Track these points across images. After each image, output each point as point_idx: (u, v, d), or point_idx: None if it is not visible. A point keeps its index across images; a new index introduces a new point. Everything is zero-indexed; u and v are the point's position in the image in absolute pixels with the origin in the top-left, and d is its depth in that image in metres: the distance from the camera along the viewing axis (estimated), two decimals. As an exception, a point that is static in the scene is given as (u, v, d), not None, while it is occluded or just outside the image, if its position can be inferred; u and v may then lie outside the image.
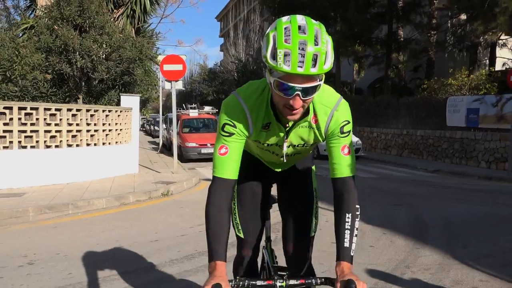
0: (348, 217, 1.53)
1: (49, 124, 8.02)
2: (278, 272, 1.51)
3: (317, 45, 1.32)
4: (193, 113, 16.12)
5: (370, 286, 3.56)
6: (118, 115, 9.57)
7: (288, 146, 1.71)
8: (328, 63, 1.34)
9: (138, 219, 6.04)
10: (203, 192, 8.13)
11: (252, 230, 2.01)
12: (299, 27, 1.33)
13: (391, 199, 7.67)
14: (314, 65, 1.31)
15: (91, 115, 8.77)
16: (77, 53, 9.34)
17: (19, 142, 7.66)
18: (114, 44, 9.97)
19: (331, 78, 27.34)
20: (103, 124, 9.06)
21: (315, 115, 1.60)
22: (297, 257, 1.95)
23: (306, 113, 1.55)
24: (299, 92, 1.37)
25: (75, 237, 5.02)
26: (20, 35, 10.79)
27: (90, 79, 10.07)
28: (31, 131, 7.81)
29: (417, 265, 4.12)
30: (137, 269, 3.92)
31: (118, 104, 10.37)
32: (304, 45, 1.30)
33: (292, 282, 1.46)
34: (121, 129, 9.69)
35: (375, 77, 23.83)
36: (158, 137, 18.13)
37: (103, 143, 9.07)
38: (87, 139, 8.68)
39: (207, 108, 17.36)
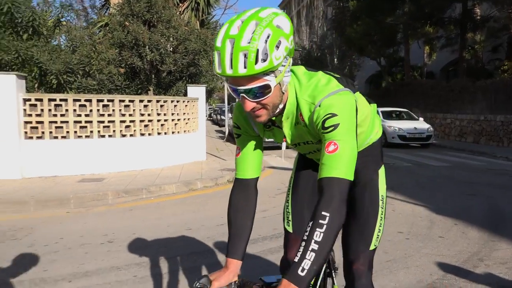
0: (309, 226, 1.23)
1: (123, 115, 8.60)
2: None
3: (248, 43, 1.19)
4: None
5: (438, 278, 3.43)
6: (186, 105, 9.98)
7: (294, 145, 1.61)
8: (260, 64, 1.20)
9: (205, 204, 6.30)
10: (266, 179, 8.27)
11: (302, 226, 1.84)
12: (237, 24, 1.23)
13: (464, 189, 7.23)
14: (245, 66, 1.20)
15: (161, 106, 9.24)
16: (147, 47, 9.86)
17: (98, 131, 8.32)
18: (180, 37, 10.36)
19: (400, 63, 26.13)
20: (172, 114, 9.51)
21: (301, 112, 1.45)
22: (350, 271, 1.80)
23: (283, 110, 1.44)
24: (244, 94, 1.29)
25: (148, 220, 5.39)
26: (97, 32, 11.60)
27: (159, 71, 10.58)
28: (108, 122, 8.43)
29: (492, 258, 3.88)
30: (204, 251, 4.12)
31: (185, 94, 10.80)
32: (232, 45, 1.21)
33: None
34: (188, 119, 10.11)
35: (448, 59, 22.37)
36: (224, 126, 18.64)
37: (172, 132, 9.53)
38: (157, 129, 9.18)
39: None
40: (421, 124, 14.99)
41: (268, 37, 1.20)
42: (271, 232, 4.66)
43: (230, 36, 1.21)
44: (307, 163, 1.89)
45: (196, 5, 13.61)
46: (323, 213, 1.22)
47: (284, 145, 1.64)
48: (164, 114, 9.31)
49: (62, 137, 8.05)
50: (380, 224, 1.78)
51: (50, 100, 7.93)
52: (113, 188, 6.83)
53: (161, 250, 4.12)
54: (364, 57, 26.79)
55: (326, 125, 1.34)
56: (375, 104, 1.85)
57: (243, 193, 1.59)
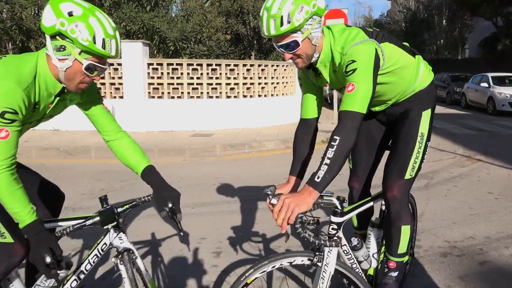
0: (326, 147, 1.60)
1: (229, 78, 9.49)
2: None
3: (275, 12, 1.62)
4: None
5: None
6: (285, 69, 10.54)
7: (332, 89, 2.01)
8: (285, 25, 1.61)
9: (301, 159, 6.92)
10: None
11: (358, 163, 2.27)
12: None
13: None
14: (274, 28, 1.64)
15: (262, 70, 9.93)
16: (250, 14, 10.51)
17: (207, 93, 9.35)
18: (282, 3, 10.79)
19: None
20: (272, 78, 10.16)
21: (334, 62, 1.81)
22: (386, 198, 2.06)
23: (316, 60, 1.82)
24: (281, 49, 1.72)
25: (251, 169, 6.19)
26: (205, 1, 12.59)
27: (260, 37, 11.23)
28: (216, 84, 9.40)
29: None
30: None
31: (284, 59, 11.34)
32: (267, 13, 1.65)
33: None
34: (287, 82, 10.69)
35: None
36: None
37: (272, 95, 10.23)
38: (258, 91, 9.94)
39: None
40: (538, 92, 13.59)
41: (291, 5, 1.61)
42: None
43: (266, 7, 1.66)
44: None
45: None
46: (335, 136, 1.60)
47: (327, 88, 2.04)
48: (265, 78, 10.01)
49: (178, 97, 9.24)
50: (417, 157, 2.02)
51: (168, 64, 9.10)
52: (220, 142, 7.80)
53: (261, 191, 4.86)
54: (478, 17, 24.38)
55: (347, 70, 1.69)
56: (420, 56, 2.10)
57: (305, 129, 2.07)
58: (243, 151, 7.61)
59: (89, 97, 1.79)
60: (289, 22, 1.62)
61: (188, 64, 9.18)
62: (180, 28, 9.96)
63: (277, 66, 10.27)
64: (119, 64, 8.98)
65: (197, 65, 9.21)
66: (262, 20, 1.68)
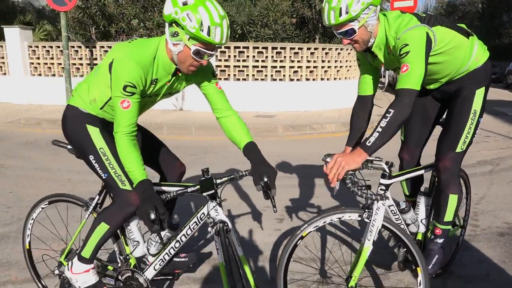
0: (380, 118, 1.86)
1: (292, 61, 9.69)
2: None
3: (333, 4, 1.88)
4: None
5: None
6: (349, 53, 10.52)
7: (388, 69, 2.19)
8: (343, 16, 1.87)
9: (361, 142, 7.03)
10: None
11: (411, 136, 2.45)
12: None
13: None
14: (334, 18, 1.89)
15: (326, 53, 10.00)
16: (317, -3, 10.55)
17: (271, 75, 9.64)
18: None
19: None
20: (335, 61, 10.20)
21: (389, 45, 2.02)
22: (437, 168, 2.23)
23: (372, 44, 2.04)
24: (340, 35, 1.98)
25: (311, 149, 6.43)
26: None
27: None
28: (280, 67, 9.65)
29: None
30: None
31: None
32: (328, 5, 1.90)
33: None
34: (350, 66, 10.66)
35: None
36: (384, 76, 18.42)
37: (334, 78, 10.28)
38: (321, 74, 10.04)
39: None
40: None
41: (345, 1, 1.85)
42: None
43: (327, 0, 1.92)
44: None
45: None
46: (390, 109, 1.84)
47: (382, 69, 2.22)
48: (328, 61, 10.07)
49: (243, 79, 9.63)
50: (468, 132, 2.18)
51: (235, 47, 9.49)
52: (282, 123, 8.09)
53: (320, 169, 5.10)
54: None
55: (401, 53, 1.90)
56: (474, 37, 2.20)
57: (361, 105, 2.32)
58: (304, 132, 7.85)
59: (203, 77, 2.00)
60: (347, 13, 1.87)
61: (254, 47, 9.50)
62: (247, 12, 10.29)
63: (341, 49, 10.28)
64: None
65: (263, 48, 9.51)
66: (324, 10, 1.94)
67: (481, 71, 2.21)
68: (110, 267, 2.24)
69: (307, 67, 9.85)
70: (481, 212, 3.77)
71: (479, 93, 2.20)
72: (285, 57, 9.60)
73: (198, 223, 1.98)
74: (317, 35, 11.66)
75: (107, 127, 2.02)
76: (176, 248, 2.03)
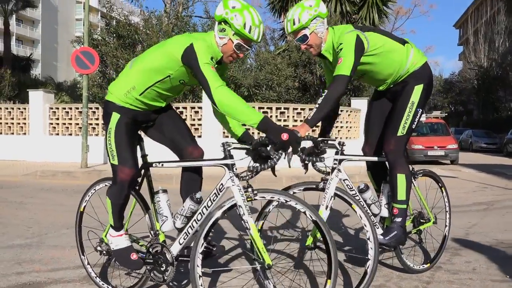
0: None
1: (295, 120, 10.29)
2: None
3: (289, 17, 2.50)
4: (422, 118, 16.31)
5: None
6: (349, 115, 11.17)
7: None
8: (296, 24, 2.46)
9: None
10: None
11: (370, 133, 2.93)
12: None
13: None
14: (290, 27, 2.50)
15: (327, 114, 10.63)
16: (317, 64, 11.49)
17: (276, 133, 10.17)
18: (347, 56, 11.74)
19: None
20: (336, 122, 10.81)
21: (334, 49, 2.56)
22: (385, 151, 2.66)
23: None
24: (298, 42, 2.56)
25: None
26: (277, 53, 13.96)
27: (325, 85, 12.06)
28: (284, 126, 10.22)
29: None
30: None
31: (349, 105, 12.02)
32: (286, 19, 2.53)
33: None
34: (351, 127, 11.25)
35: None
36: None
37: (336, 137, 10.81)
38: (323, 133, 10.57)
39: (436, 113, 17.18)
40: None
41: (299, 12, 2.45)
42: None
43: (287, 19, 2.53)
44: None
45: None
46: (326, 90, 2.39)
47: None
48: (329, 121, 10.66)
49: (249, 136, 10.16)
50: (407, 118, 2.58)
51: (242, 107, 10.16)
52: (287, 175, 8.42)
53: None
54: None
55: (337, 50, 2.49)
56: (410, 44, 2.66)
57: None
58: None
59: (223, 73, 2.41)
60: (298, 22, 2.47)
61: (259, 107, 10.17)
62: (253, 76, 11.19)
63: (341, 111, 10.93)
64: (200, 108, 10.25)
65: (268, 108, 10.18)
66: (284, 23, 2.56)
67: (420, 72, 2.63)
68: (141, 243, 2.51)
69: (310, 126, 10.40)
70: (473, 233, 3.98)
71: (417, 88, 2.61)
72: (288, 116, 10.23)
73: (217, 194, 2.16)
74: (318, 99, 12.45)
75: (129, 116, 2.34)
76: (198, 220, 2.16)
